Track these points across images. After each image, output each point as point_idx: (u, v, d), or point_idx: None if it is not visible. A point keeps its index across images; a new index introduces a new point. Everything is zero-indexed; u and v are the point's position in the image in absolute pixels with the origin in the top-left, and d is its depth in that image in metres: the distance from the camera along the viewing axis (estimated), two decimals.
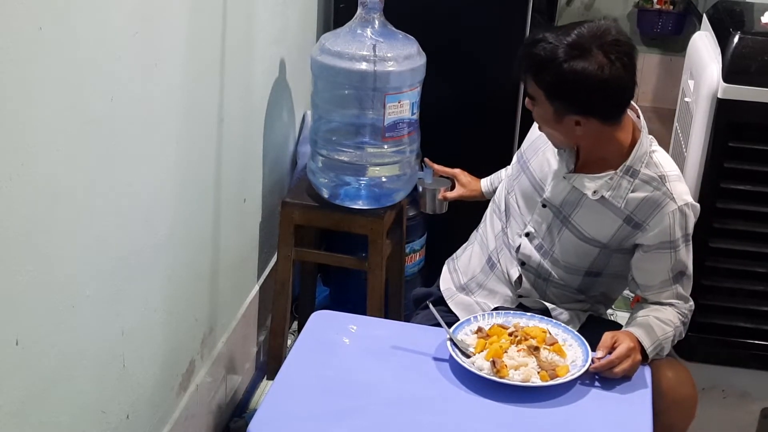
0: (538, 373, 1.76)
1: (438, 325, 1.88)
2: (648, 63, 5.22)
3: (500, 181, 2.28)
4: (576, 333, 1.89)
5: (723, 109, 2.14)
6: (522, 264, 2.10)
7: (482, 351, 1.80)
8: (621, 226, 1.96)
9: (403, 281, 2.73)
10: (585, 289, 2.09)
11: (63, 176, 1.46)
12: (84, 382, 1.64)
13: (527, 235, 2.08)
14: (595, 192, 1.95)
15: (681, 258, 1.95)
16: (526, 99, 1.95)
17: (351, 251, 2.56)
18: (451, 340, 1.83)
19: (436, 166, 2.43)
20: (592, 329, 1.99)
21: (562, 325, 1.93)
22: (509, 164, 2.26)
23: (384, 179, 2.38)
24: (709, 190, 2.20)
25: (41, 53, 1.35)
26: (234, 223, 2.35)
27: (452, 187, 2.43)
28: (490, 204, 2.25)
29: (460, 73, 2.81)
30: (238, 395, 2.55)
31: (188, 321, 2.11)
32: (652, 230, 1.93)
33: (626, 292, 2.21)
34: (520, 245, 2.09)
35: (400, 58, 2.29)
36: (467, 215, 2.41)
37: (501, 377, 1.74)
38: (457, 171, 2.43)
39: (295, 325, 2.83)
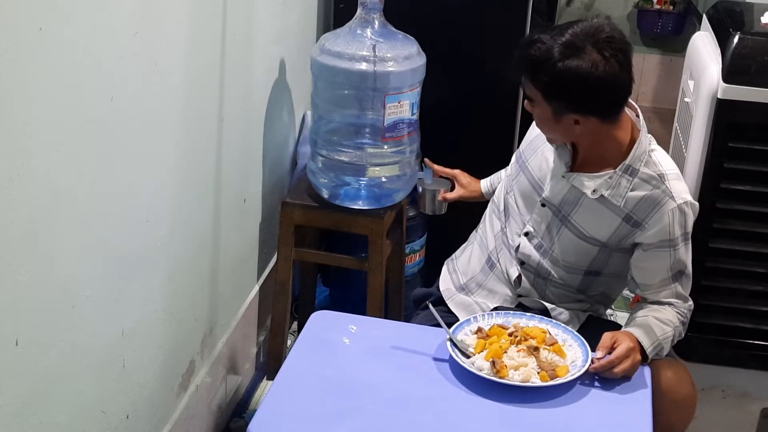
0: (538, 373, 1.76)
1: (438, 325, 1.88)
2: (648, 63, 5.23)
3: (500, 182, 2.28)
4: (576, 333, 1.89)
5: (723, 109, 2.14)
6: (521, 263, 2.10)
7: (482, 351, 1.80)
8: (620, 225, 1.96)
9: (403, 281, 2.74)
10: (584, 288, 2.09)
11: (63, 176, 1.46)
12: (84, 382, 1.64)
13: (526, 234, 2.09)
14: (594, 191, 1.95)
15: (680, 257, 1.95)
16: (525, 101, 1.95)
17: (351, 251, 2.57)
18: (450, 340, 1.83)
19: (436, 167, 2.43)
20: (592, 329, 1.99)
21: (562, 325, 1.93)
22: (509, 164, 2.26)
23: (384, 179, 2.38)
24: (709, 190, 2.20)
25: (41, 53, 1.35)
26: (234, 223, 2.35)
27: (452, 188, 2.43)
28: (490, 204, 2.25)
29: (460, 73, 2.81)
30: (238, 395, 2.55)
31: (188, 321, 2.11)
32: (652, 228, 1.93)
33: (626, 292, 2.21)
34: (519, 245, 2.09)
35: (400, 58, 2.29)
36: (467, 215, 2.41)
37: (501, 377, 1.74)
38: (456, 172, 2.43)
39: (295, 325, 2.83)
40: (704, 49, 2.33)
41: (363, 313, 2.33)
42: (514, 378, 1.74)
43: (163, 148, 1.85)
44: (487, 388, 1.74)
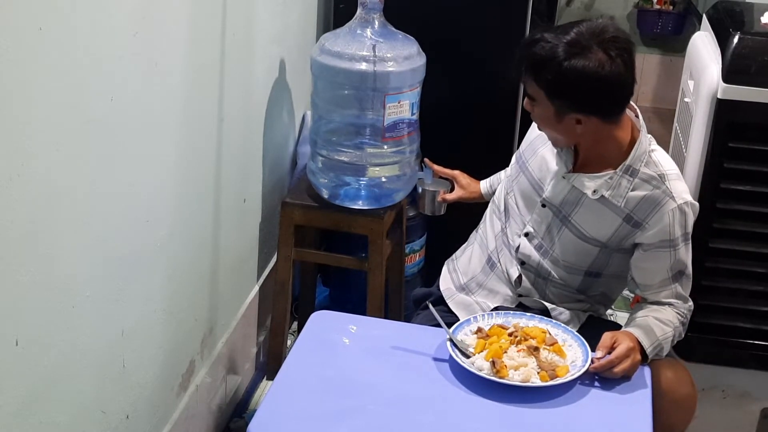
0: (538, 373, 1.76)
1: (438, 325, 1.88)
2: (648, 63, 5.22)
3: (500, 183, 2.28)
4: (576, 333, 1.89)
5: (723, 109, 2.14)
6: (522, 264, 2.10)
7: (482, 351, 1.80)
8: (621, 225, 1.96)
9: (403, 281, 2.74)
10: (585, 289, 2.09)
11: (63, 176, 1.46)
12: (84, 382, 1.64)
13: (526, 235, 2.09)
14: (594, 191, 1.95)
15: (680, 257, 1.95)
16: (525, 100, 1.95)
17: (351, 251, 2.57)
18: (450, 340, 1.83)
19: (436, 167, 2.43)
20: (592, 329, 1.99)
21: (562, 325, 1.93)
22: (509, 165, 2.26)
23: (384, 179, 2.38)
24: (709, 190, 2.20)
25: (41, 53, 1.35)
26: (234, 223, 2.35)
27: (451, 189, 2.43)
28: (490, 204, 2.25)
29: (460, 73, 2.81)
30: (238, 395, 2.55)
31: (188, 321, 2.11)
32: (652, 229, 1.93)
33: (626, 292, 2.21)
34: (519, 245, 2.09)
35: (400, 58, 2.29)
36: (466, 216, 2.41)
37: (501, 377, 1.74)
38: (456, 173, 2.43)
39: (295, 325, 2.83)
40: (704, 49, 2.33)
41: (363, 313, 2.33)
42: (514, 378, 1.74)
43: (163, 148, 1.85)
44: (487, 388, 1.74)
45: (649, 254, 1.96)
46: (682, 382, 1.95)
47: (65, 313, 1.53)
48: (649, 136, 2.00)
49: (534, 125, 2.10)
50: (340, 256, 2.58)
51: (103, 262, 1.65)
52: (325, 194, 2.41)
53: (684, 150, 2.33)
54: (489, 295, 2.15)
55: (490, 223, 2.20)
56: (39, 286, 1.44)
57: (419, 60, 2.34)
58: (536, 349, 1.79)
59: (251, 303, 2.56)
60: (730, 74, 2.12)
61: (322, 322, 1.98)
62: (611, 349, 1.81)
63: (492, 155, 2.65)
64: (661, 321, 1.92)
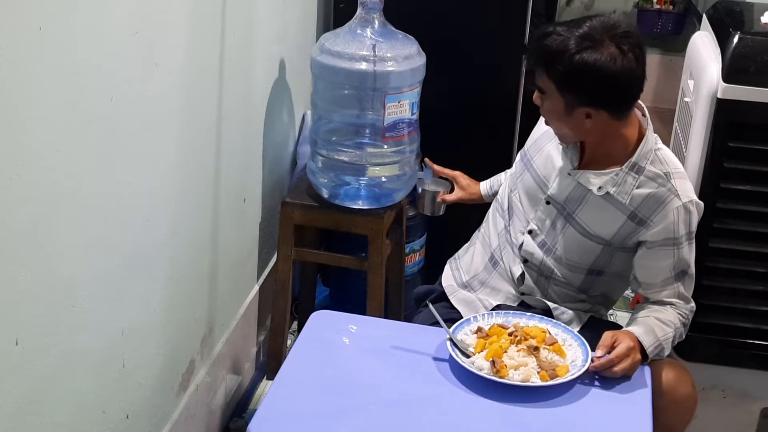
0: (538, 373, 1.76)
1: (438, 324, 1.88)
2: (648, 63, 5.18)
3: (500, 185, 2.28)
4: (576, 333, 1.89)
5: (723, 109, 2.14)
6: (524, 261, 2.10)
7: (482, 351, 1.80)
8: (625, 223, 1.96)
9: (403, 281, 2.74)
10: (586, 288, 2.09)
11: (63, 176, 1.46)
12: (84, 382, 1.64)
13: (530, 232, 2.09)
14: (600, 188, 1.95)
15: (684, 256, 1.95)
16: (535, 93, 1.94)
17: (351, 251, 2.56)
18: (450, 339, 1.83)
19: (436, 167, 2.43)
20: (593, 330, 1.99)
21: (562, 325, 1.93)
22: (509, 165, 2.26)
23: (384, 179, 2.38)
24: (709, 190, 2.20)
25: (41, 53, 1.35)
26: (234, 223, 2.35)
27: (451, 189, 2.43)
28: (493, 203, 2.25)
29: (460, 73, 2.81)
30: (238, 395, 2.55)
31: (188, 321, 2.11)
32: (656, 226, 1.93)
33: (627, 292, 2.21)
34: (522, 242, 2.09)
35: (400, 58, 2.29)
36: (467, 216, 2.41)
37: (501, 377, 1.74)
38: (457, 173, 2.43)
39: (295, 325, 2.83)
40: (704, 48, 2.33)
41: (363, 313, 2.33)
42: (514, 378, 1.74)
43: (163, 148, 1.85)
44: (487, 387, 1.74)
45: (653, 252, 1.95)
46: (682, 382, 1.95)
47: (65, 313, 1.53)
48: (655, 134, 2.00)
49: (539, 123, 2.10)
50: (340, 256, 2.58)
51: (103, 262, 1.65)
52: (325, 194, 2.42)
53: (684, 150, 2.33)
54: (491, 292, 2.15)
55: (493, 221, 2.20)
56: (39, 285, 1.44)
57: (419, 60, 2.34)
58: (536, 348, 1.79)
59: (251, 303, 2.56)
60: (730, 74, 2.12)
61: (322, 321, 1.98)
62: (611, 348, 1.82)
63: (492, 155, 2.65)
64: (662, 321, 1.92)
